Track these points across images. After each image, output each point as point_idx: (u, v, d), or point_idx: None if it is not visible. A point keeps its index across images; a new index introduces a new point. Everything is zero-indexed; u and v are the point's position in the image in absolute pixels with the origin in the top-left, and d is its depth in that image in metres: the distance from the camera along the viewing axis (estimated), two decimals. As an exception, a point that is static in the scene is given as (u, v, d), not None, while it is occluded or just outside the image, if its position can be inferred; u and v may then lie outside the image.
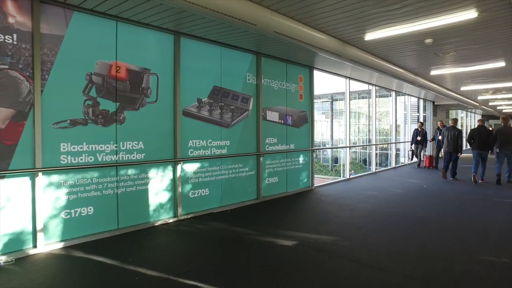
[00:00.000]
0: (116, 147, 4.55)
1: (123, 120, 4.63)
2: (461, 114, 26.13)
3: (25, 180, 3.79)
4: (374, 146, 12.18)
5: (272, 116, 6.96)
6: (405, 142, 14.86)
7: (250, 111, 6.46)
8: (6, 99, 3.61)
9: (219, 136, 5.88)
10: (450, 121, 10.32)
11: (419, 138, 12.07)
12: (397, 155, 14.25)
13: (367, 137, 13.22)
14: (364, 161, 24.87)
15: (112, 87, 4.51)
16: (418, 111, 16.02)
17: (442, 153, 11.43)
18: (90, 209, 4.31)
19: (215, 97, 5.81)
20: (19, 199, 3.74)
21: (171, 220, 5.13)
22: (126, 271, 3.37)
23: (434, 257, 3.76)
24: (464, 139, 13.34)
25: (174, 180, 5.22)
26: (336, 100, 29.77)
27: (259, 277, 3.28)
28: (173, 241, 4.46)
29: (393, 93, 13.18)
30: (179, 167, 5.22)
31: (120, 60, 4.58)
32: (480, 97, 15.59)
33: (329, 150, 28.49)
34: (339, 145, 25.05)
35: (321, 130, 31.01)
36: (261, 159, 6.64)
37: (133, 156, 4.73)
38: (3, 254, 3.59)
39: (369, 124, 12.86)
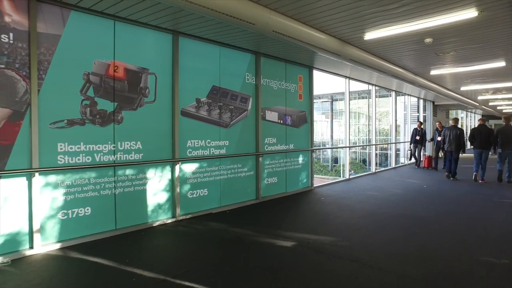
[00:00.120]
0: (114, 147, 4.52)
1: (121, 120, 4.60)
2: (461, 114, 26.12)
3: (22, 181, 3.76)
4: (374, 146, 12.15)
5: (271, 116, 6.93)
6: (405, 142, 14.82)
7: (249, 111, 6.43)
8: (2, 99, 3.58)
9: (218, 136, 5.85)
10: (451, 121, 10.28)
11: (418, 137, 12.01)
12: (397, 155, 14.21)
13: (367, 137, 13.16)
14: (364, 161, 24.86)
15: (110, 86, 4.49)
16: (418, 111, 15.98)
17: (441, 154, 11.43)
18: (87, 209, 4.28)
19: (213, 97, 5.78)
20: (16, 199, 3.71)
21: (169, 221, 5.10)
22: (123, 272, 3.34)
23: (433, 257, 3.73)
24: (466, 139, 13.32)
25: (172, 181, 5.19)
26: (336, 100, 29.73)
27: (258, 278, 3.25)
28: (171, 241, 4.43)
29: (393, 93, 13.16)
30: (177, 167, 5.19)
31: (118, 60, 4.55)
32: (480, 97, 15.56)
33: (329, 150, 28.44)
34: (339, 145, 25.02)
35: (321, 130, 30.96)
36: (260, 159, 6.61)
37: (131, 156, 4.70)
38: (-1, 255, 3.57)
39: (368, 124, 12.80)
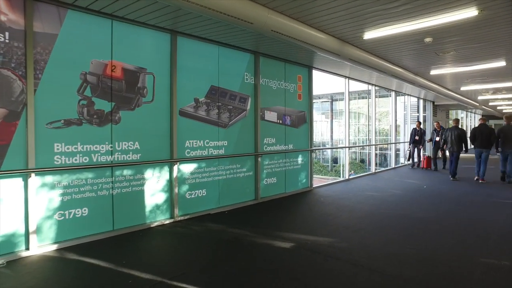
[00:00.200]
0: (111, 147, 4.49)
1: (119, 120, 4.57)
2: (461, 114, 26.08)
3: (18, 181, 3.72)
4: (373, 146, 12.12)
5: (271, 116, 6.90)
6: (404, 142, 14.79)
7: (248, 111, 6.40)
8: (-2, 99, 3.55)
9: (216, 136, 5.81)
10: (452, 122, 10.27)
11: (417, 137, 11.96)
12: (397, 156, 14.17)
13: (367, 137, 13.12)
14: (362, 161, 24.87)
15: (107, 86, 4.45)
16: (418, 111, 15.94)
17: (440, 155, 11.40)
18: (84, 210, 4.24)
19: (212, 97, 5.75)
20: (11, 200, 3.68)
21: (167, 222, 5.06)
22: (119, 273, 3.31)
23: (433, 259, 3.69)
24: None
25: (170, 181, 5.16)
26: (336, 100, 29.72)
27: (256, 279, 3.21)
28: (168, 243, 4.40)
29: (393, 93, 13.12)
30: (175, 167, 5.16)
31: (116, 59, 4.52)
32: (480, 97, 15.53)
33: (328, 150, 28.42)
34: (338, 146, 25.00)
35: (321, 130, 30.94)
36: (259, 159, 6.57)
37: (129, 157, 4.67)
38: (-5, 257, 3.53)
39: (368, 124, 12.76)
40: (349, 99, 10.16)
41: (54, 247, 3.93)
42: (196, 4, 3.38)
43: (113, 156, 4.51)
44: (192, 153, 5.46)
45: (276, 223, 5.18)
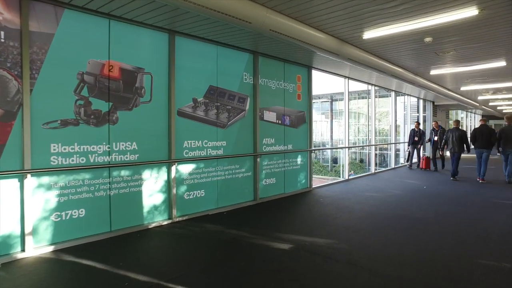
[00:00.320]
0: (108, 148, 4.45)
1: (116, 120, 4.53)
2: (461, 115, 26.06)
3: (13, 182, 3.68)
4: (373, 146, 12.09)
5: (270, 116, 6.86)
6: (404, 142, 14.75)
7: (247, 111, 6.36)
8: (-7, 99, 3.52)
9: (215, 136, 5.78)
10: (452, 123, 10.32)
11: (416, 138, 11.90)
12: (397, 156, 14.13)
13: (367, 137, 13.09)
14: (361, 160, 24.86)
15: (105, 86, 4.42)
16: (418, 111, 15.90)
17: (438, 155, 11.37)
18: (81, 211, 4.21)
19: (211, 97, 5.71)
20: (7, 201, 3.64)
21: (165, 222, 5.03)
22: (115, 275, 3.27)
23: (433, 260, 3.66)
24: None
25: (168, 182, 5.12)
26: (336, 100, 29.68)
27: (254, 281, 3.18)
28: (166, 244, 4.36)
29: (393, 93, 13.09)
30: (173, 168, 5.12)
31: (113, 59, 4.48)
32: (480, 97, 15.50)
33: (328, 151, 28.38)
34: (338, 146, 24.96)
35: (321, 130, 30.91)
36: (258, 160, 6.54)
37: (126, 157, 4.63)
38: (-10, 258, 3.50)
39: (368, 125, 12.73)
40: (349, 99, 10.13)
41: (51, 248, 3.89)
42: (194, 3, 3.34)
43: (110, 157, 4.47)
44: (190, 154, 5.42)
45: (275, 223, 5.14)
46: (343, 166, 10.69)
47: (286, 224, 5.13)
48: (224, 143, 5.93)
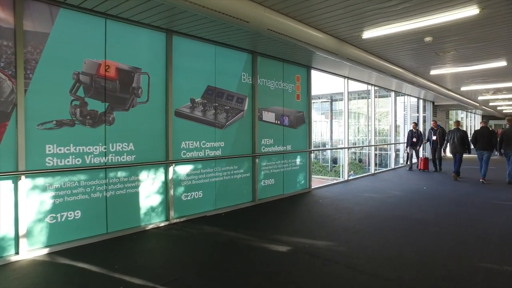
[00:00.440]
0: (105, 148, 4.40)
1: (113, 121, 4.48)
2: (461, 115, 26.01)
3: (7, 184, 3.63)
4: (373, 147, 12.03)
5: (268, 116, 6.81)
6: (404, 143, 14.70)
7: (246, 111, 6.31)
8: (-13, 99, 3.46)
9: (213, 137, 5.72)
10: (453, 123, 10.34)
11: (414, 140, 11.82)
12: (397, 156, 14.07)
13: (367, 137, 13.03)
14: (360, 160, 24.84)
15: (101, 86, 4.36)
16: (418, 112, 15.85)
17: (437, 155, 11.32)
18: (77, 213, 4.15)
19: (209, 97, 5.66)
20: (0, 203, 3.58)
21: (162, 224, 4.97)
22: (110, 278, 3.22)
23: (432, 262, 3.61)
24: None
25: (166, 183, 5.06)
26: (336, 100, 29.62)
27: (252, 284, 3.12)
28: (163, 246, 4.30)
29: (393, 93, 13.04)
30: (171, 169, 5.07)
31: (110, 59, 4.43)
32: (480, 98, 15.45)
33: (328, 151, 28.32)
34: (338, 146, 24.91)
35: (321, 130, 30.87)
36: (257, 160, 6.48)
37: (123, 158, 4.58)
38: (-17, 261, 3.44)
39: (368, 125, 12.68)
40: (349, 99, 10.08)
41: (45, 251, 3.83)
42: (190, 2, 3.29)
43: (107, 158, 4.42)
44: (188, 154, 5.37)
45: (273, 225, 5.09)
46: (342, 166, 10.63)
47: (284, 225, 5.08)
48: (222, 144, 5.88)
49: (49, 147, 3.93)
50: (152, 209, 4.92)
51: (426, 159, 11.79)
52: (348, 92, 9.77)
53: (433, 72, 8.66)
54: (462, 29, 5.02)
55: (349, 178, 9.67)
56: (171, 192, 5.07)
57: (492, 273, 3.37)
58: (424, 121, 16.06)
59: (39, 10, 3.81)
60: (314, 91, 8.38)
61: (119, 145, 4.54)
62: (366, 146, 18.56)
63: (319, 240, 4.35)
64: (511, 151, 8.57)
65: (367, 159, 22.10)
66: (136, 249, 4.08)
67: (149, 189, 4.88)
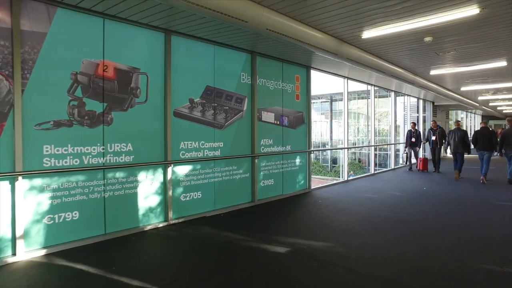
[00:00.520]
0: (103, 149, 4.38)
1: (111, 121, 4.45)
2: (461, 115, 25.97)
3: (4, 184, 3.61)
4: (373, 147, 12.00)
5: (268, 116, 6.78)
6: (404, 143, 14.66)
7: (245, 111, 6.29)
8: (-17, 99, 3.44)
9: (212, 137, 5.70)
10: (454, 124, 10.37)
11: (413, 140, 11.78)
12: (397, 156, 14.04)
13: (367, 137, 13.01)
14: (359, 160, 24.85)
15: (99, 87, 4.34)
16: (418, 112, 15.82)
17: (436, 156, 11.30)
18: (75, 214, 4.13)
19: (208, 98, 5.63)
20: (-2, 204, 3.56)
21: (161, 225, 4.95)
22: (108, 280, 3.19)
23: (432, 263, 3.58)
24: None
25: (164, 183, 5.04)
26: (336, 100, 29.62)
27: (249, 286, 3.10)
28: (161, 247, 4.28)
29: (392, 94, 13.01)
30: (169, 169, 5.04)
31: (108, 59, 4.40)
32: (480, 98, 15.42)
33: (328, 151, 28.30)
34: (337, 147, 24.90)
35: (321, 130, 30.86)
36: (256, 161, 6.46)
37: (121, 159, 4.56)
38: (-20, 263, 3.42)
39: (368, 125, 12.65)
40: (349, 100, 10.06)
41: (43, 252, 3.81)
42: (188, 1, 3.26)
43: (105, 158, 4.39)
44: (187, 155, 5.34)
45: (272, 226, 5.06)
46: (342, 167, 10.61)
47: (283, 226, 5.05)
48: (221, 144, 5.85)
49: (47, 147, 3.90)
50: (151, 210, 4.89)
51: (425, 160, 11.76)
52: (347, 92, 9.75)
53: (433, 72, 8.64)
54: (462, 29, 5.00)
55: (349, 179, 9.65)
56: (170, 192, 5.04)
57: (492, 274, 3.34)
58: (424, 121, 16.03)
59: (36, 9, 3.79)
60: (314, 91, 8.36)
61: (118, 146, 4.52)
62: (366, 146, 18.53)
63: (318, 241, 4.32)
64: (511, 151, 8.60)
65: (366, 159, 22.08)
66: (134, 250, 4.05)
67: (148, 189, 4.85)
